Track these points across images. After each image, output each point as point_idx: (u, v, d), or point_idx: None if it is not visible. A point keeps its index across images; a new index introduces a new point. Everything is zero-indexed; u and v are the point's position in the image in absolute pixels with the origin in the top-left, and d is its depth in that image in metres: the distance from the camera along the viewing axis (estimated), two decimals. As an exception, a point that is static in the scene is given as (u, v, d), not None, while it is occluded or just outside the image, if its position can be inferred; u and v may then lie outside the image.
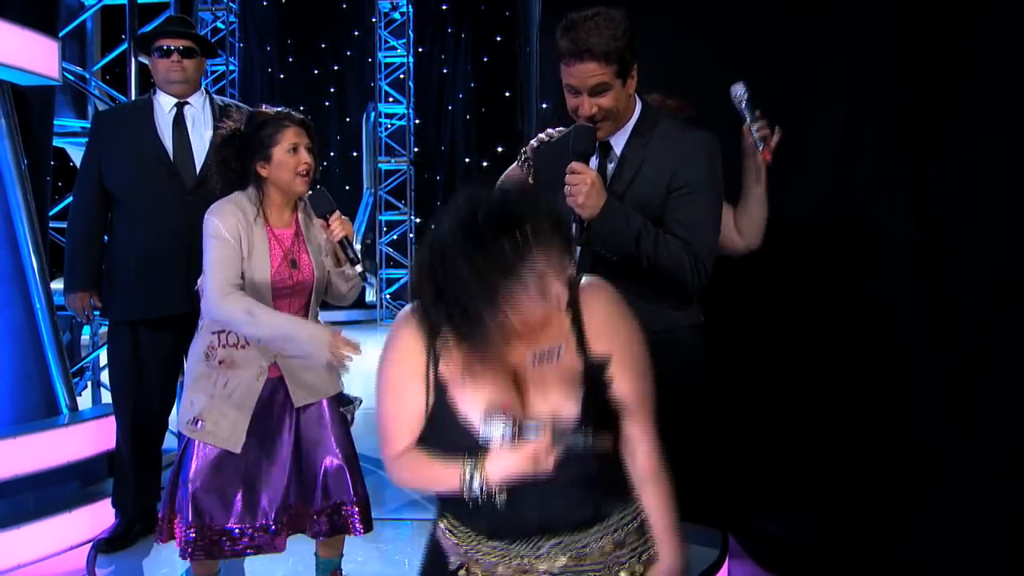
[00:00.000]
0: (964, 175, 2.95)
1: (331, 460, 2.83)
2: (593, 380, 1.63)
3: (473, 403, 1.62)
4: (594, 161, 2.45)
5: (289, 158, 2.69)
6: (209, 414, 2.69)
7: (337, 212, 2.73)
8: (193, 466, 2.70)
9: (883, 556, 3.14)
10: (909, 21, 3.11)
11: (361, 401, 2.91)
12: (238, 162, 2.73)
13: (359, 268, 2.77)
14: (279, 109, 2.79)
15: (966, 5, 2.95)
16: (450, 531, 1.74)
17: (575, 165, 2.28)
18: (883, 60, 3.22)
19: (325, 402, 2.87)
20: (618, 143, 2.45)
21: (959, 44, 2.98)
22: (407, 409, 1.67)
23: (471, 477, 1.57)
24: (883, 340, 3.21)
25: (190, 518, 2.68)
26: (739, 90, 2.75)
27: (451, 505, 1.73)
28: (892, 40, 3.18)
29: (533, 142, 2.97)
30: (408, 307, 1.71)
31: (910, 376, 3.13)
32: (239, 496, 2.74)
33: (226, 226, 2.64)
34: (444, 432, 1.65)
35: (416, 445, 1.67)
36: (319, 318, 2.94)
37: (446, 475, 1.60)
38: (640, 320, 1.72)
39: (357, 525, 2.83)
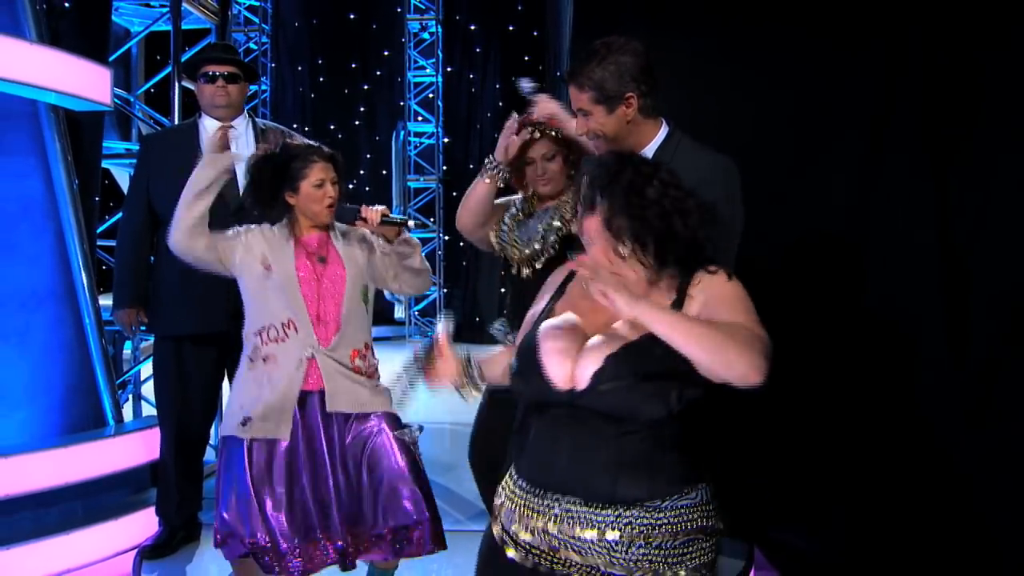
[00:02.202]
0: (984, 194, 2.99)
1: (390, 481, 2.84)
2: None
3: (553, 340, 1.88)
4: None
5: (315, 191, 2.87)
6: (256, 410, 2.82)
7: (364, 206, 2.95)
8: (248, 480, 2.79)
9: (907, 568, 3.18)
10: (929, 41, 3.17)
11: (422, 428, 2.97)
12: (269, 187, 2.89)
13: (410, 222, 2.97)
14: (310, 143, 2.98)
15: (987, 24, 3.00)
16: (507, 495, 1.93)
17: None
18: (903, 79, 3.28)
19: (382, 424, 2.90)
20: None
21: (980, 63, 3.03)
22: None
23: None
24: (905, 355, 3.25)
25: (248, 534, 2.76)
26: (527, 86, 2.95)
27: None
28: (912, 59, 3.24)
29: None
30: None
31: (932, 390, 3.16)
32: (293, 513, 2.81)
33: (247, 231, 2.91)
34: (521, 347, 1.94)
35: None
36: (369, 331, 3.02)
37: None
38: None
39: (428, 544, 2.83)
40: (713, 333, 1.70)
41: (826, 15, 3.48)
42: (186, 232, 2.85)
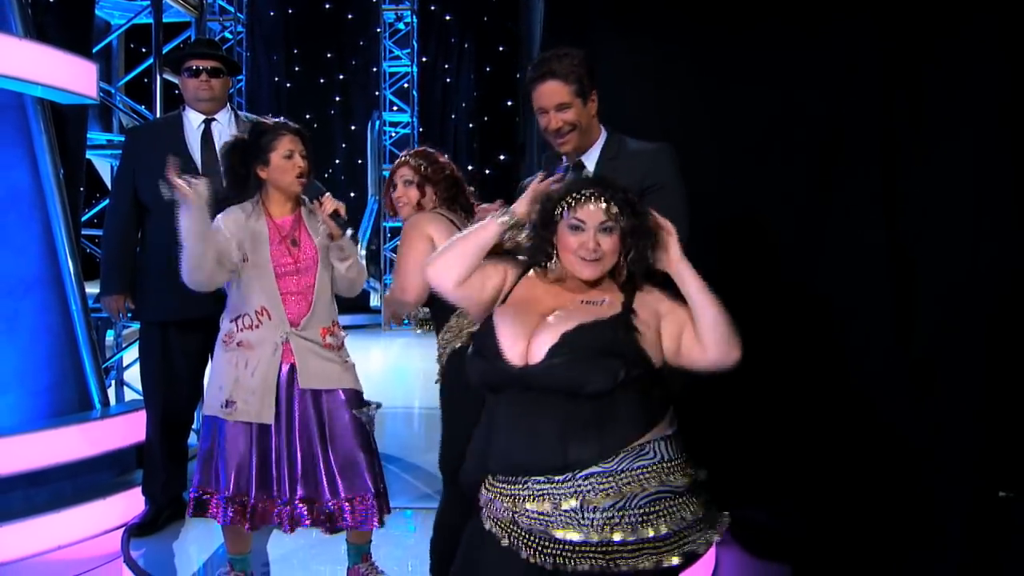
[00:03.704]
0: (927, 190, 3.18)
1: (347, 454, 3.03)
2: (626, 319, 2.01)
3: (510, 323, 2.03)
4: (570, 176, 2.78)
5: (285, 162, 3.00)
6: (238, 394, 2.97)
7: (328, 194, 3.09)
8: (227, 445, 2.97)
9: (863, 540, 3.35)
10: (879, 47, 3.35)
11: (379, 405, 3.13)
12: (242, 166, 3.03)
13: (348, 231, 3.08)
14: (278, 120, 3.11)
15: (928, 33, 3.19)
16: (487, 490, 2.03)
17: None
18: (857, 83, 3.44)
19: (344, 400, 3.06)
20: (589, 160, 2.79)
21: (922, 68, 3.22)
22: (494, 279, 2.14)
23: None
24: (857, 341, 3.43)
25: (228, 491, 2.94)
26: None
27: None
28: (865, 65, 3.41)
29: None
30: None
31: (881, 373, 3.34)
32: (266, 472, 2.99)
33: (225, 221, 2.99)
34: (482, 330, 2.08)
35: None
36: (335, 307, 3.16)
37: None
38: None
39: (374, 518, 3.03)
40: (723, 309, 2.04)
41: (784, 20, 3.64)
42: (208, 270, 2.93)
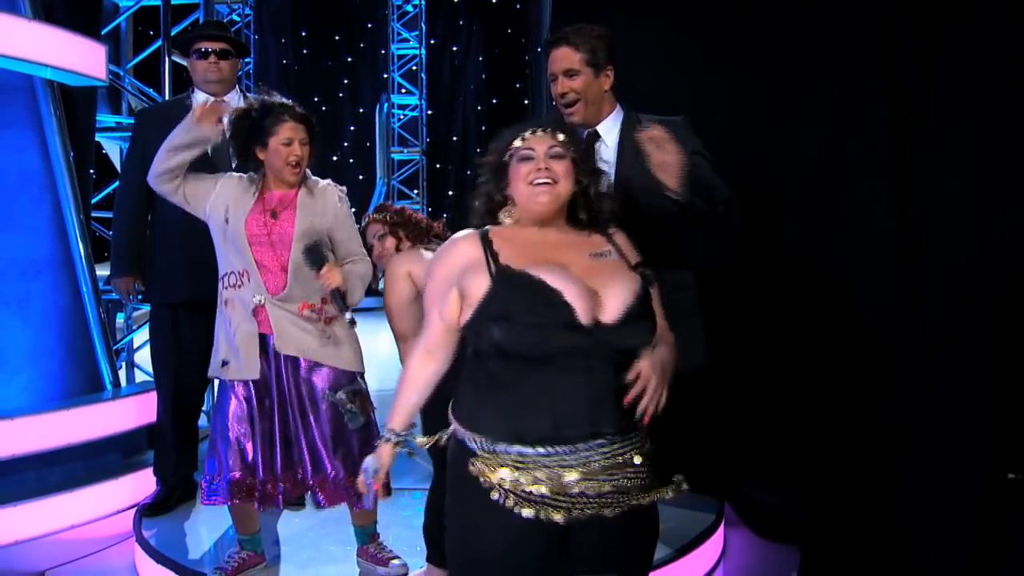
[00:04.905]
0: (937, 173, 3.18)
1: (323, 432, 3.04)
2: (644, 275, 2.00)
3: (540, 271, 1.93)
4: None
5: (283, 149, 2.98)
6: (228, 353, 3.02)
7: (328, 265, 2.94)
8: (228, 423, 3.00)
9: (872, 523, 3.37)
10: (888, 29, 3.34)
11: (357, 392, 3.09)
12: (244, 139, 3.03)
13: (348, 316, 3.01)
14: (285, 101, 3.07)
15: (940, 15, 3.18)
16: (512, 465, 1.92)
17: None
18: (866, 62, 3.45)
19: (326, 380, 3.04)
20: (607, 132, 2.82)
21: (934, 50, 3.21)
22: (452, 304, 2.01)
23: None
24: (868, 323, 3.44)
25: (231, 472, 2.97)
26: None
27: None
28: (873, 46, 3.40)
29: None
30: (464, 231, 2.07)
31: (891, 356, 3.35)
32: (268, 450, 3.02)
33: (224, 179, 3.07)
34: (517, 295, 1.91)
35: (490, 325, 1.91)
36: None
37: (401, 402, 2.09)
38: None
39: (342, 501, 3.04)
40: None
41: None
42: (158, 176, 3.03)
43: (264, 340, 3.02)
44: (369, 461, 2.10)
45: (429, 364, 2.08)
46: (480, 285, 1.95)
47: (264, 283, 2.99)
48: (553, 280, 1.91)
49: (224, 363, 3.03)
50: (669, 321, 2.07)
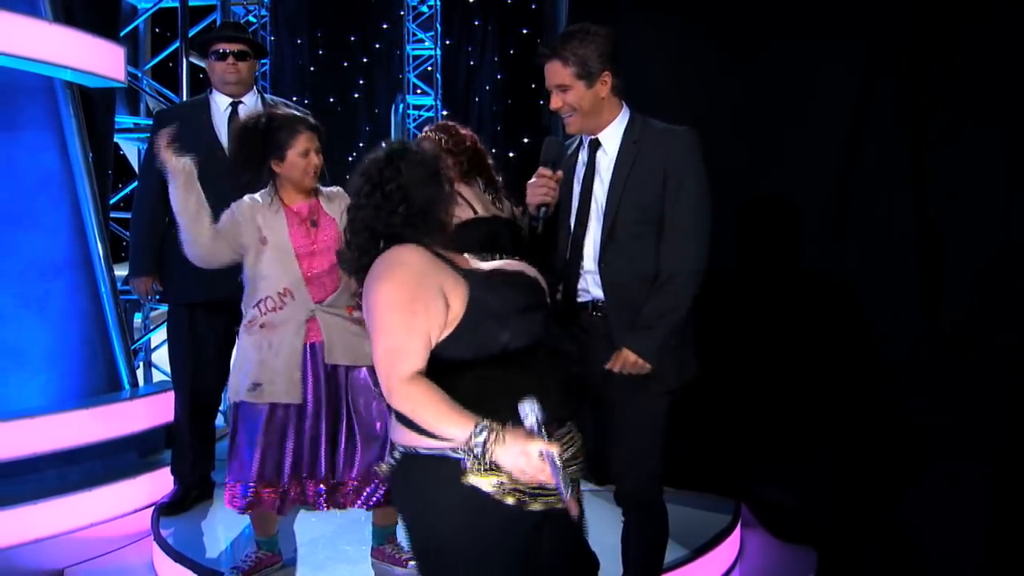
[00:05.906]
0: (957, 170, 3.16)
1: (368, 433, 3.05)
2: None
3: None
4: (584, 154, 2.78)
5: (301, 160, 3.02)
6: (264, 375, 2.98)
7: None
8: (252, 431, 2.98)
9: (887, 523, 3.37)
10: (906, 29, 3.32)
11: None
12: (256, 154, 3.03)
13: None
14: (295, 113, 3.12)
15: (960, 11, 3.16)
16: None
17: (542, 169, 2.68)
18: (884, 62, 3.43)
19: (369, 380, 3.06)
20: (608, 140, 2.75)
21: (955, 47, 3.19)
22: (422, 328, 1.89)
23: (482, 433, 1.74)
24: (886, 321, 3.43)
25: (254, 478, 2.97)
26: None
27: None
28: (891, 46, 3.38)
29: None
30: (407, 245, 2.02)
31: (907, 354, 3.35)
32: (299, 455, 3.02)
33: (239, 205, 3.04)
34: (495, 298, 1.95)
35: (469, 334, 1.91)
36: None
37: (453, 418, 1.77)
38: None
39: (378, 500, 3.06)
40: None
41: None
42: (205, 250, 2.99)
43: (304, 350, 3.02)
44: (542, 450, 1.74)
45: (430, 383, 1.88)
46: (458, 293, 1.95)
47: (310, 294, 3.01)
48: (512, 266, 2.04)
49: (255, 385, 2.99)
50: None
